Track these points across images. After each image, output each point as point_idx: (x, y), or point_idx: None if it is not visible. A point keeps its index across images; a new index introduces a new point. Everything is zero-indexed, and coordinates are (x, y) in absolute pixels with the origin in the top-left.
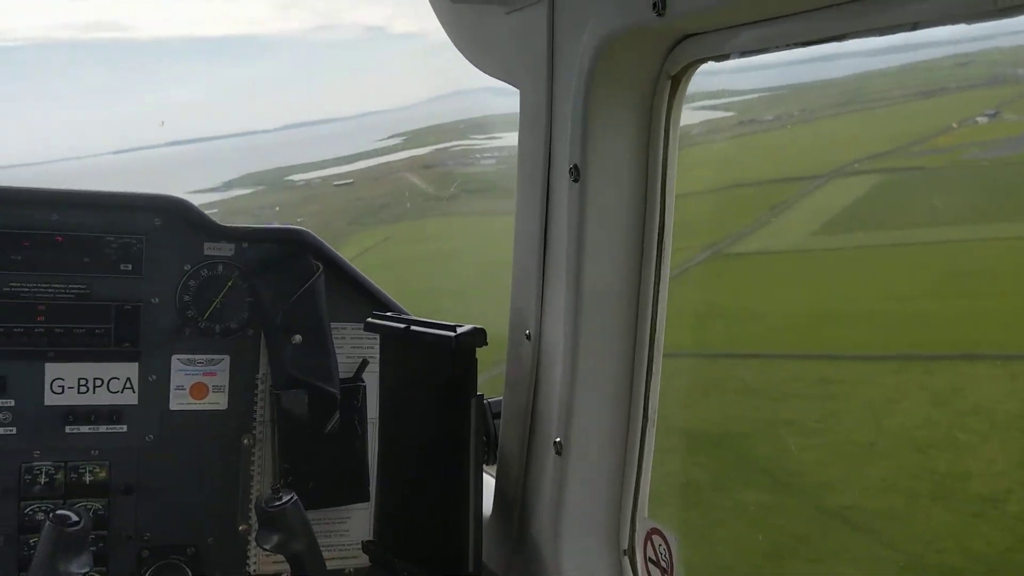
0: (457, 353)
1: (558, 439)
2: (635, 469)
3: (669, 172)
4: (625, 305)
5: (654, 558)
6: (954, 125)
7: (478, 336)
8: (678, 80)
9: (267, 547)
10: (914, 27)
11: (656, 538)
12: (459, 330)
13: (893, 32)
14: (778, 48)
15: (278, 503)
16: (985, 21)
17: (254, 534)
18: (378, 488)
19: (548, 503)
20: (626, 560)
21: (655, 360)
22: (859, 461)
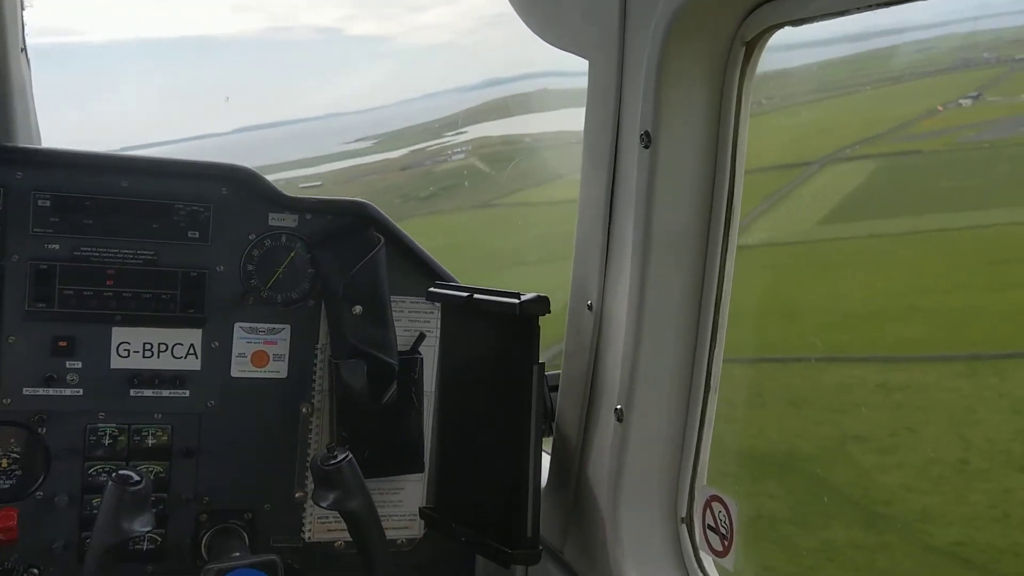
0: (520, 320)
1: (619, 406)
2: (695, 437)
3: (740, 140)
4: (691, 274)
5: (713, 525)
6: (939, 108)
7: (541, 304)
8: (752, 46)
9: (324, 504)
10: None
11: (716, 504)
12: (523, 298)
13: None
14: (855, 10)
15: (334, 461)
16: None
17: (310, 500)
18: (435, 456)
19: (606, 472)
20: (683, 528)
21: (719, 329)
22: (956, 484)
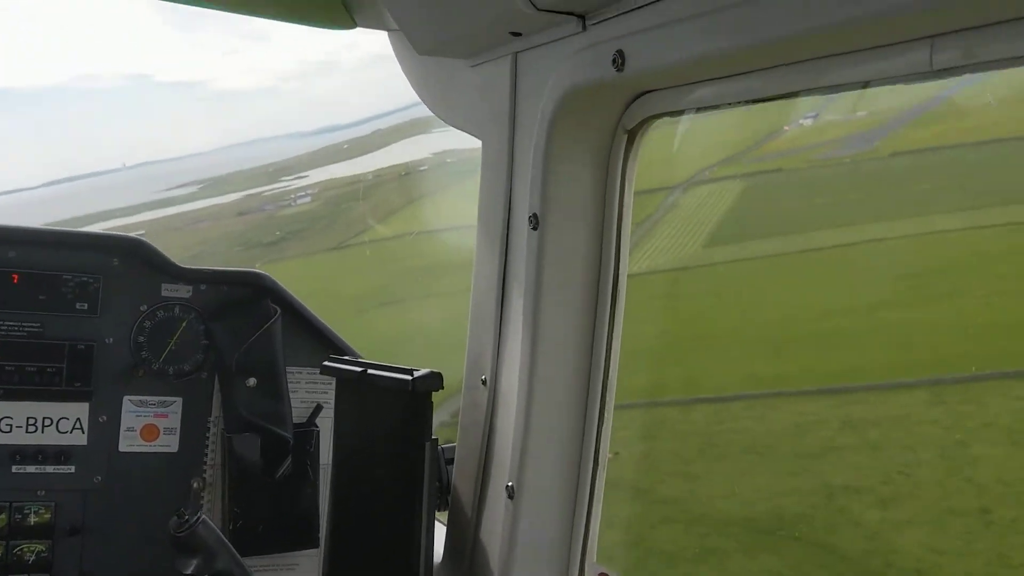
0: (413, 397)
1: (510, 483)
2: (585, 514)
3: (624, 223)
4: (580, 351)
5: None
6: (785, 128)
7: (434, 380)
8: (634, 134)
9: (187, 572)
10: (864, 86)
11: None
12: (415, 374)
13: (843, 91)
14: (731, 104)
15: (186, 526)
16: (923, 82)
17: None
18: (329, 532)
19: (498, 549)
20: None
21: (607, 405)
22: (989, 540)
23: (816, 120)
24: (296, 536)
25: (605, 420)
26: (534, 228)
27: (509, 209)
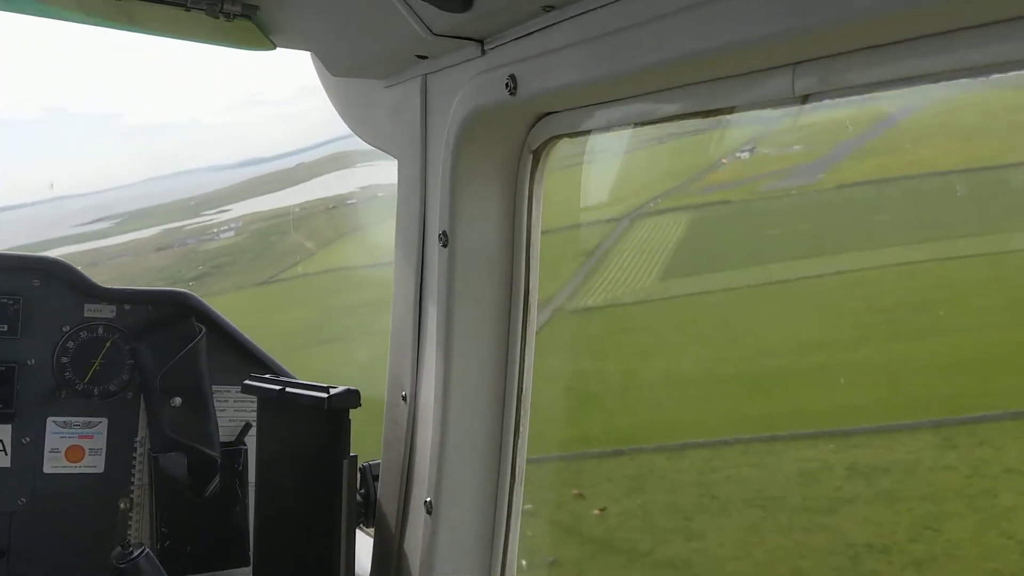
0: (330, 414)
1: (428, 499)
2: (504, 529)
3: (533, 240)
4: (494, 365)
5: None
6: (724, 161)
7: (351, 397)
8: (539, 154)
9: None
10: (732, 111)
11: None
12: (332, 392)
13: (721, 114)
14: (629, 126)
15: (130, 558)
16: (787, 107)
17: None
18: (255, 551)
19: (419, 564)
20: None
21: (522, 420)
22: None
23: (753, 153)
24: (226, 555)
25: (521, 432)
26: (444, 245)
27: (424, 227)
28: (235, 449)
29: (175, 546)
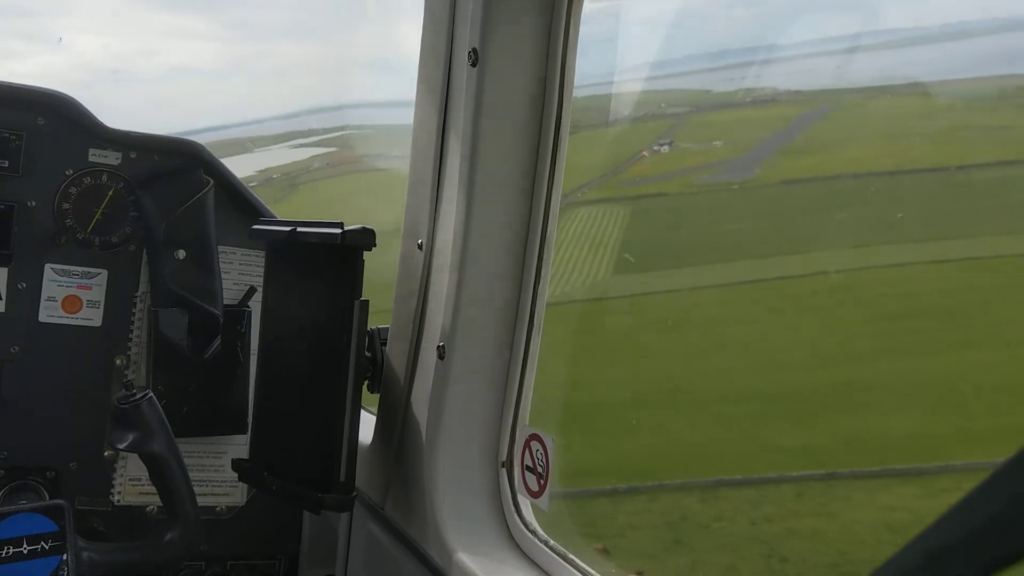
0: (343, 252)
1: (441, 343)
2: (518, 377)
3: (568, 61)
4: (517, 203)
5: (531, 464)
6: (644, 153)
7: (366, 236)
8: None
9: (120, 446)
10: None
11: (534, 443)
12: (346, 228)
13: None
14: None
15: (132, 399)
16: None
17: (120, 460)
18: (255, 408)
19: (427, 418)
20: (503, 472)
21: (545, 263)
22: None
23: (672, 147)
24: (224, 420)
25: (541, 282)
26: (473, 64)
27: (451, 47)
28: (238, 311)
29: (171, 406)
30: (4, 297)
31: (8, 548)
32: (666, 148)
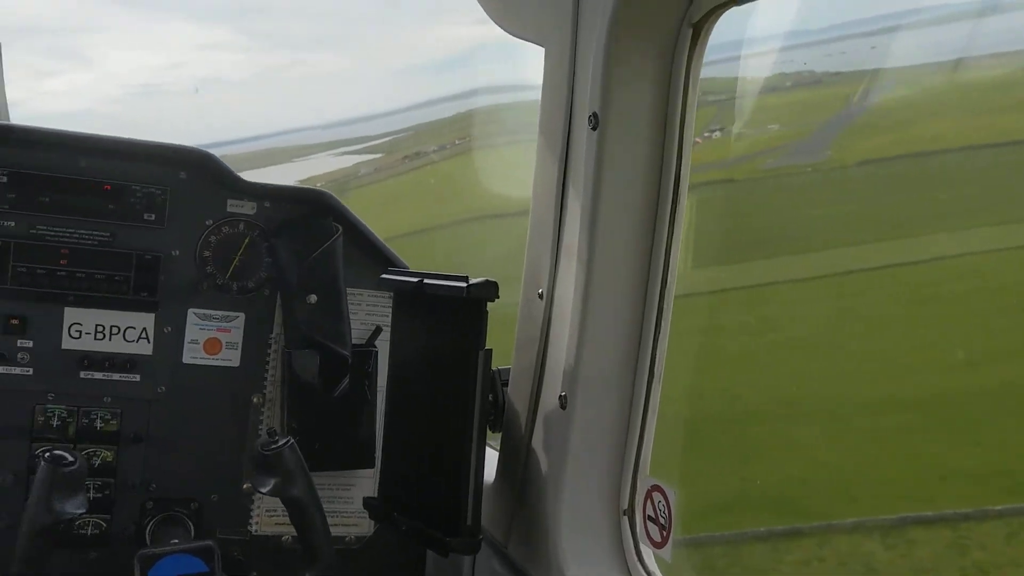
0: (467, 305)
1: (563, 393)
2: (639, 426)
3: (687, 124)
4: (638, 256)
5: (653, 515)
6: (697, 140)
7: (490, 288)
8: (699, 28)
9: (263, 490)
10: None
11: (656, 494)
12: (470, 282)
13: None
14: None
15: (275, 446)
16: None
17: (258, 494)
18: (384, 446)
19: (550, 463)
20: (625, 520)
21: (664, 315)
22: None
23: (723, 133)
24: (352, 455)
25: (662, 332)
26: (593, 128)
27: (571, 114)
28: (366, 351)
29: (304, 442)
30: (152, 340)
31: None
32: (718, 134)
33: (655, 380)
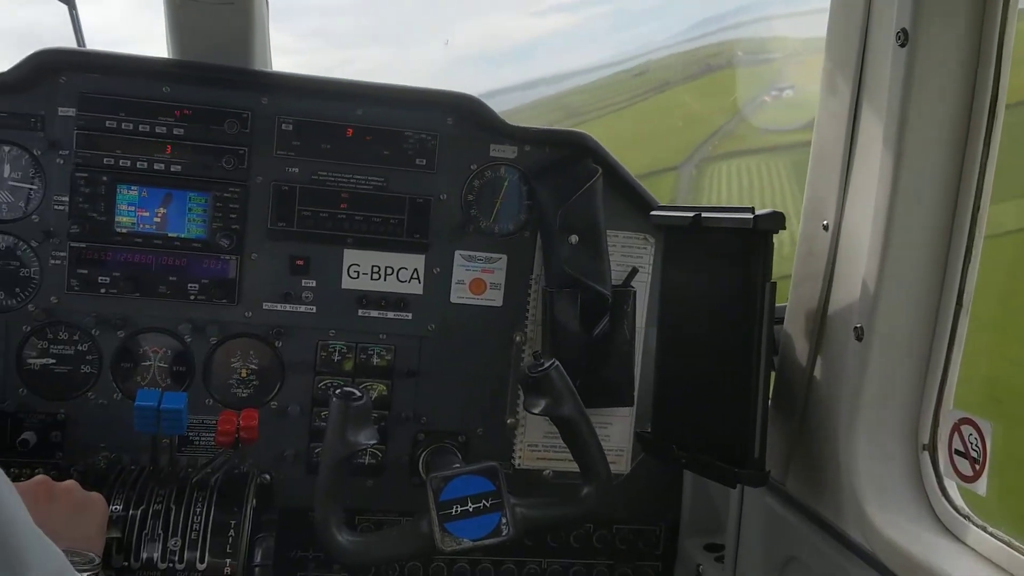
0: (753, 236)
1: (859, 324)
2: (942, 358)
3: (1006, 43)
4: (946, 183)
5: (962, 449)
6: (766, 99)
7: (776, 220)
8: None
9: (535, 411)
10: None
11: (966, 427)
12: (757, 213)
13: None
14: None
15: (541, 368)
16: None
17: (521, 427)
18: (656, 383)
19: (841, 396)
20: (925, 455)
21: (975, 243)
22: None
23: (796, 91)
24: (611, 394)
25: (972, 259)
26: (902, 45)
27: (867, 31)
28: (624, 291)
29: None
30: (422, 281)
31: (456, 507)
32: (789, 92)
33: (963, 311)
